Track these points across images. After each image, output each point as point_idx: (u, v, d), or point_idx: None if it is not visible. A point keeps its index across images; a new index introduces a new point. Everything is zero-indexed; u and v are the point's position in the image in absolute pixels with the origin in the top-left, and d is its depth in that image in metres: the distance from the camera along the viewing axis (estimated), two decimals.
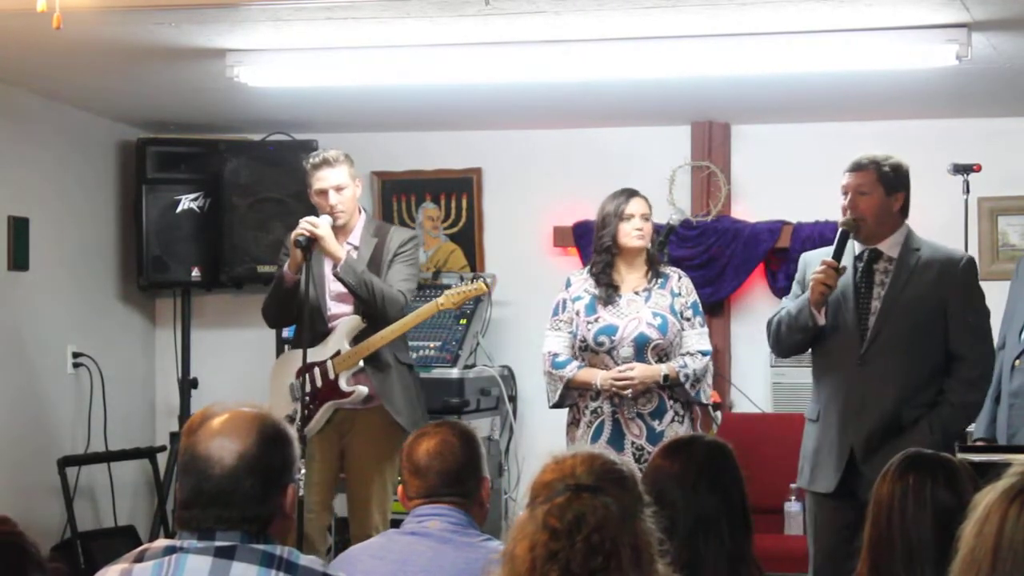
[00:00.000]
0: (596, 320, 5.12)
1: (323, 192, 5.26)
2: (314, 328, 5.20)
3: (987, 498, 2.00)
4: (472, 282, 5.73)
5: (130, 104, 6.34)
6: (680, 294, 5.19)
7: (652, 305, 5.13)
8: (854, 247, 4.56)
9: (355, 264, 5.21)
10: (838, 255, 4.46)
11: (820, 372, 4.63)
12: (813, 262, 4.61)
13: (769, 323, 4.71)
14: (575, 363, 5.12)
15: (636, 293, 5.16)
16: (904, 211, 4.56)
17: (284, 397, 5.34)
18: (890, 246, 4.53)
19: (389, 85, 5.58)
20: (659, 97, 6.01)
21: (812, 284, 4.44)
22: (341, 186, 5.26)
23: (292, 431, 2.48)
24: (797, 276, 4.72)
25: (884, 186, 4.50)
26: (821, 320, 4.48)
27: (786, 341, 4.64)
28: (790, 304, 4.61)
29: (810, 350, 4.70)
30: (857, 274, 4.53)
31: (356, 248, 5.30)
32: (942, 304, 4.47)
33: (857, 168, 4.52)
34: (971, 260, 4.58)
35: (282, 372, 5.46)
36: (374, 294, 5.19)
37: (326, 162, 5.25)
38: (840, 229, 4.49)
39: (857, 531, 4.45)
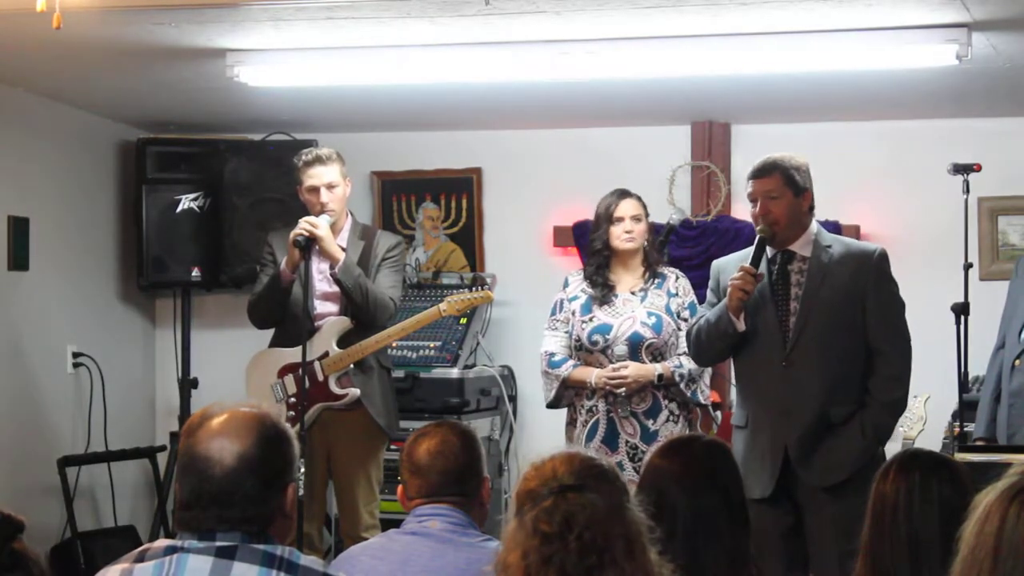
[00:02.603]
0: (591, 319, 5.13)
1: (315, 189, 5.25)
2: (299, 327, 5.20)
3: (987, 498, 2.00)
4: (476, 288, 5.73)
5: (130, 104, 6.34)
6: (677, 294, 5.20)
7: (648, 305, 5.14)
8: (767, 253, 4.55)
9: (352, 266, 5.21)
10: (756, 262, 4.44)
11: (745, 377, 4.62)
12: (726, 268, 4.61)
13: (688, 333, 4.72)
14: (571, 362, 5.14)
15: (632, 293, 5.18)
16: (811, 209, 4.56)
17: (265, 398, 5.28)
18: (802, 246, 4.53)
19: (389, 85, 5.58)
20: (659, 97, 6.01)
21: (730, 291, 4.42)
22: (333, 184, 5.26)
23: (291, 431, 2.48)
24: (711, 284, 4.70)
25: (792, 188, 4.49)
26: (741, 326, 4.46)
27: (707, 349, 4.64)
28: (708, 312, 4.60)
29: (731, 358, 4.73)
30: (772, 276, 4.52)
31: (344, 250, 5.29)
32: (860, 298, 4.46)
33: (763, 174, 4.51)
34: (884, 252, 4.55)
35: (260, 371, 5.43)
36: (367, 298, 5.19)
37: (319, 159, 5.24)
38: (757, 237, 4.48)
39: (795, 536, 4.48)
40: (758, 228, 4.49)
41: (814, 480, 4.39)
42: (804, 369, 4.43)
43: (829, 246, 4.53)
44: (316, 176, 5.24)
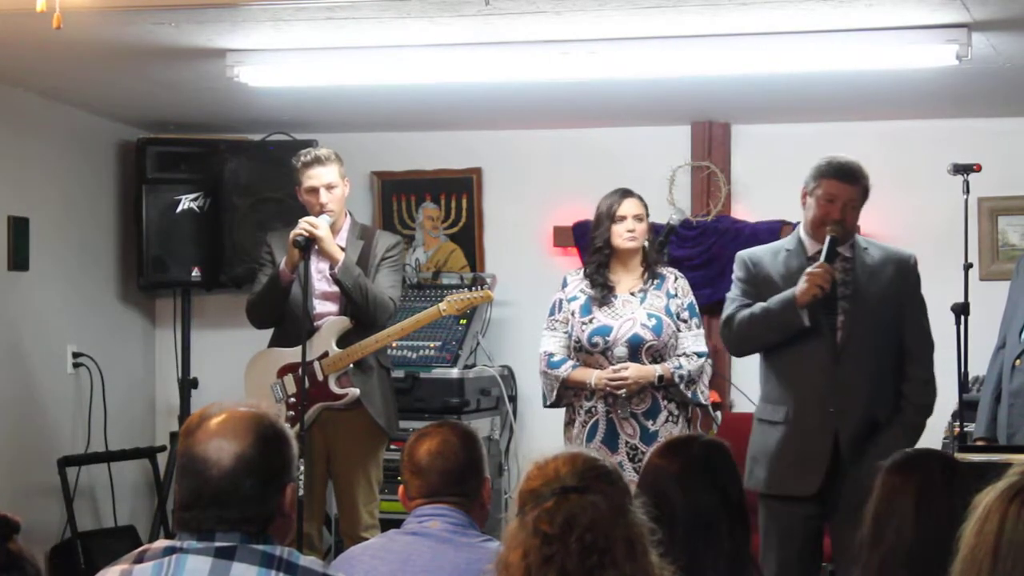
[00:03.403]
0: (591, 320, 5.12)
1: (314, 190, 5.25)
2: (298, 327, 5.19)
3: (987, 498, 2.01)
4: (475, 288, 5.73)
5: (130, 104, 6.34)
6: (676, 295, 5.19)
7: (647, 306, 5.13)
8: (806, 248, 4.58)
9: (352, 266, 5.21)
10: (831, 260, 4.45)
11: (786, 373, 4.57)
12: (762, 259, 4.63)
13: (729, 319, 4.63)
14: (570, 363, 5.13)
15: (632, 294, 5.17)
16: None
17: (264, 398, 5.28)
18: (844, 247, 4.58)
19: (389, 85, 5.58)
20: (659, 97, 6.01)
21: (806, 286, 4.41)
22: (332, 184, 5.26)
23: (290, 430, 2.48)
24: (741, 275, 4.68)
25: (862, 203, 4.58)
26: (807, 321, 4.45)
27: (755, 339, 4.61)
28: (765, 303, 4.55)
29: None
30: None
31: (343, 250, 5.29)
32: (900, 301, 4.56)
33: (852, 180, 4.52)
34: (916, 258, 4.67)
35: (259, 372, 5.42)
36: (367, 298, 5.19)
37: (318, 160, 5.25)
38: (830, 236, 4.48)
39: (818, 535, 4.48)
40: (829, 228, 4.49)
41: (864, 480, 4.40)
42: (852, 368, 4.47)
43: (866, 248, 4.62)
44: (315, 177, 5.24)
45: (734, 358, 6.53)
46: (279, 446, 2.42)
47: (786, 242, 4.70)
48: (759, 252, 4.71)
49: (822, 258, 4.46)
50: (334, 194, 5.26)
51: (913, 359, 4.57)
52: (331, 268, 5.21)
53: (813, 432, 4.47)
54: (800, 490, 4.42)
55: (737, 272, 4.70)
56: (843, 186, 4.51)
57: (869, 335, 4.50)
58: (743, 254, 4.74)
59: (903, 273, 4.61)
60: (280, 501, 2.40)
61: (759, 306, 4.56)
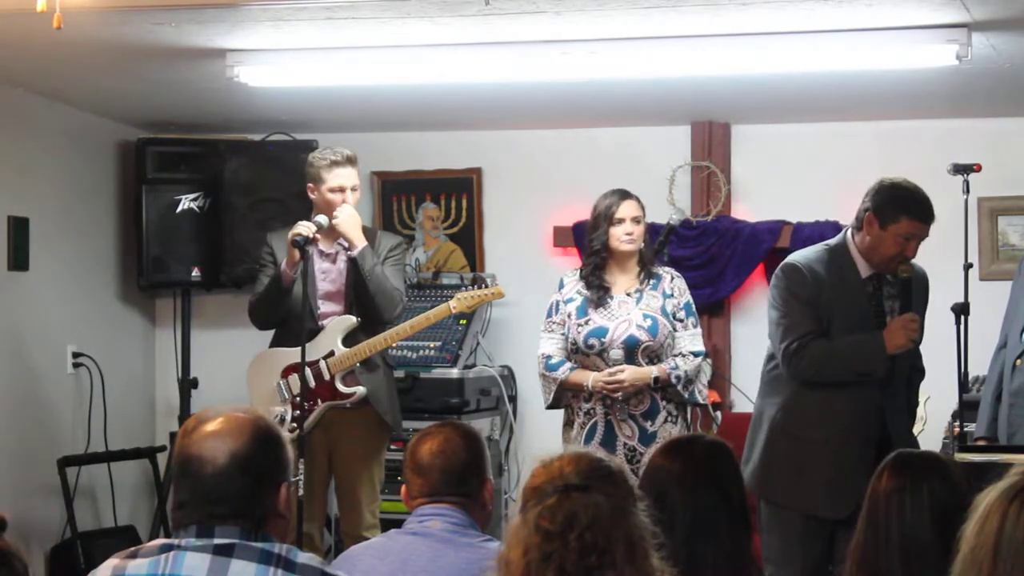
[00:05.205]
0: (586, 322, 5.11)
1: (341, 189, 5.26)
2: (301, 327, 5.20)
3: (988, 498, 2.01)
4: (484, 285, 5.72)
5: (130, 104, 6.34)
6: (672, 295, 5.17)
7: (643, 307, 5.12)
8: (859, 269, 4.51)
9: (371, 253, 5.23)
10: (907, 306, 4.44)
11: (829, 392, 4.47)
12: (818, 273, 4.45)
13: (801, 349, 4.39)
14: (567, 365, 5.12)
15: (628, 295, 5.15)
16: None
17: (270, 398, 5.30)
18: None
19: (389, 85, 5.58)
20: (659, 97, 6.01)
21: (902, 340, 4.37)
22: (355, 187, 5.30)
23: (285, 434, 2.50)
24: (801, 292, 4.44)
25: None
26: (884, 371, 4.42)
27: (830, 376, 4.44)
28: (841, 338, 4.43)
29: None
30: (869, 298, 4.52)
31: (346, 249, 5.30)
32: (922, 318, 4.58)
33: (931, 219, 4.44)
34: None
35: (264, 372, 5.42)
36: (381, 286, 5.20)
37: (349, 160, 5.29)
38: (904, 278, 4.45)
39: (830, 542, 4.47)
40: (902, 268, 4.44)
41: None
42: (895, 391, 4.50)
43: None
44: (343, 176, 5.26)
45: (734, 358, 6.58)
46: (272, 446, 2.44)
47: (831, 253, 4.50)
48: (814, 264, 4.46)
49: (899, 302, 4.44)
50: (355, 197, 5.30)
51: (916, 371, 4.66)
52: (348, 250, 5.21)
53: (856, 456, 4.39)
54: (834, 513, 4.36)
55: (794, 287, 4.45)
56: (924, 227, 4.44)
57: (907, 357, 4.51)
58: (799, 264, 4.47)
59: (923, 290, 4.63)
60: (275, 500, 2.41)
61: (841, 344, 4.43)
